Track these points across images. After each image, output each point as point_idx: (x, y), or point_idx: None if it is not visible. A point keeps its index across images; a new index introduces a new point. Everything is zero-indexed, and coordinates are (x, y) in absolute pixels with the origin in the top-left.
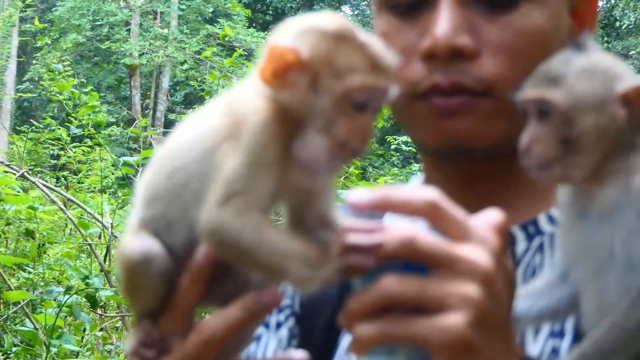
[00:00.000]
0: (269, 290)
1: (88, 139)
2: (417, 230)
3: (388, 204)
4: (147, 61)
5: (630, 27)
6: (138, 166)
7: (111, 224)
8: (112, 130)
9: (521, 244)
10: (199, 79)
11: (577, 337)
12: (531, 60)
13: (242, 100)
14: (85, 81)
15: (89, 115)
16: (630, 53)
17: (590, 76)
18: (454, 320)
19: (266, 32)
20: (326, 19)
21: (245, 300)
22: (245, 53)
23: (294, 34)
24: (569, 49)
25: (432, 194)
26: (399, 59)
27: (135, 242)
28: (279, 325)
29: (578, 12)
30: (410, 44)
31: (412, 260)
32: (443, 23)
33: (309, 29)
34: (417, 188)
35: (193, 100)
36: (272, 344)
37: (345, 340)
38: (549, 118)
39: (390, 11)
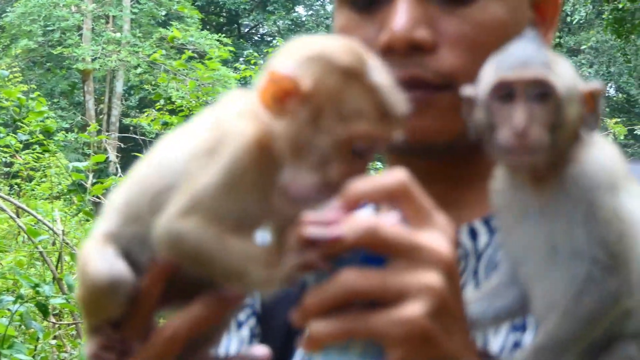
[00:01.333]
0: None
1: (37, 146)
2: (379, 219)
3: (363, 196)
4: (100, 66)
5: (581, 22)
6: (88, 171)
7: (62, 230)
8: (65, 136)
9: (483, 238)
10: (153, 83)
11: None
12: (490, 53)
13: (229, 117)
14: (36, 87)
15: (38, 121)
16: (582, 48)
17: (568, 68)
18: (413, 310)
19: (220, 34)
20: (338, 48)
21: (206, 298)
22: (196, 55)
23: (299, 60)
24: (518, 41)
25: (401, 175)
26: (408, 105)
27: (102, 263)
28: (240, 324)
29: (540, 6)
30: (369, 38)
31: (370, 252)
32: (401, 17)
33: (317, 57)
34: (386, 173)
35: (148, 104)
36: (233, 344)
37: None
38: (545, 102)
39: (350, 6)
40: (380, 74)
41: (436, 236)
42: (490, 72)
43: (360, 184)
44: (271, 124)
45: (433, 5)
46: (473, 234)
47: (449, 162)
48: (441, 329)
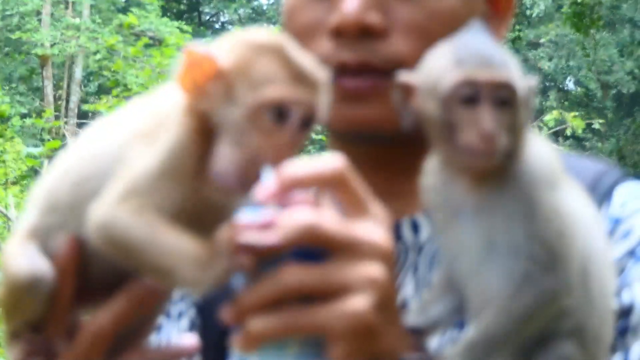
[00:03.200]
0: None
1: None
2: (317, 214)
3: (297, 182)
4: (59, 51)
5: (540, 15)
6: (44, 157)
7: (17, 217)
8: (23, 122)
9: (424, 231)
10: (112, 69)
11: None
12: (440, 42)
13: (164, 103)
14: None
15: None
16: (541, 41)
17: (517, 66)
18: (357, 303)
19: (180, 22)
20: (260, 33)
21: (129, 289)
22: (155, 42)
23: (216, 44)
24: (468, 33)
25: (338, 161)
26: (328, 72)
27: (23, 260)
28: (180, 315)
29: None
30: (317, 19)
31: (306, 247)
32: None
33: (236, 40)
34: (322, 157)
35: (107, 90)
36: (173, 334)
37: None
38: (508, 105)
39: None
40: (297, 50)
41: (374, 227)
42: (450, 67)
43: (294, 168)
44: (195, 108)
45: None
46: (415, 227)
47: (392, 151)
48: (383, 321)
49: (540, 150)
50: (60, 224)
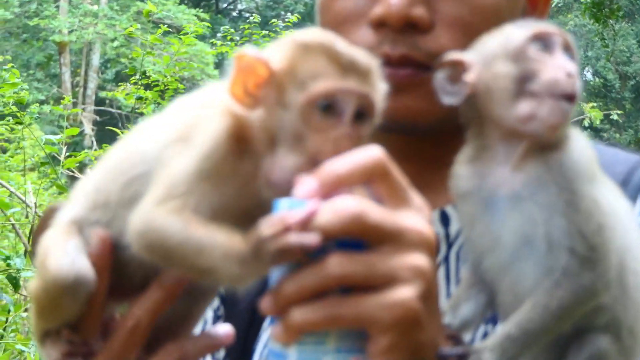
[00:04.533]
0: None
1: (11, 117)
2: (362, 204)
3: (338, 180)
4: (77, 38)
5: (559, 5)
6: (62, 144)
7: (35, 203)
8: (41, 108)
9: (455, 225)
10: (129, 57)
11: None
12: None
13: (205, 105)
14: (11, 58)
15: (11, 92)
16: None
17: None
18: (404, 293)
19: (197, 9)
20: (307, 32)
21: (161, 278)
22: (173, 30)
23: (270, 50)
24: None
25: (378, 152)
26: (378, 61)
27: (64, 258)
28: None
29: None
30: (357, 9)
31: (347, 237)
32: None
33: (284, 42)
34: (360, 150)
35: (124, 77)
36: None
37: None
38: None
39: None
40: (344, 43)
41: (417, 217)
42: (514, 30)
43: (334, 165)
44: (245, 116)
45: None
46: (445, 220)
47: (424, 142)
48: (427, 312)
49: (580, 143)
50: (108, 221)
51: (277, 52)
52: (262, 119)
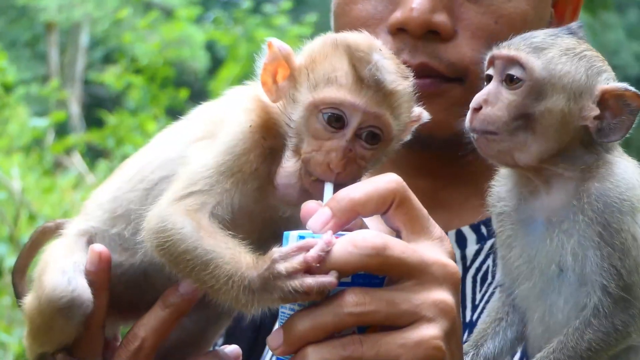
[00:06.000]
0: (186, 281)
1: None
2: (384, 237)
3: (353, 209)
4: (66, 18)
5: None
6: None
7: (21, 188)
8: (28, 89)
9: (472, 247)
10: (118, 37)
11: (526, 355)
12: None
13: (228, 105)
14: None
15: None
16: None
17: (576, 59)
18: (428, 332)
19: None
20: (352, 35)
21: (164, 297)
22: (164, 13)
23: (308, 44)
24: (559, 30)
25: (394, 178)
26: (410, 81)
27: (61, 277)
28: None
29: (559, 4)
30: (376, 12)
31: (365, 272)
32: None
33: (322, 39)
34: (374, 177)
35: (113, 58)
36: None
37: None
38: (517, 85)
39: None
40: (383, 55)
41: (438, 249)
42: None
43: (351, 192)
44: (271, 108)
45: None
46: (461, 241)
47: (440, 158)
48: (452, 348)
49: (625, 170)
50: (123, 232)
51: (310, 46)
52: (280, 112)
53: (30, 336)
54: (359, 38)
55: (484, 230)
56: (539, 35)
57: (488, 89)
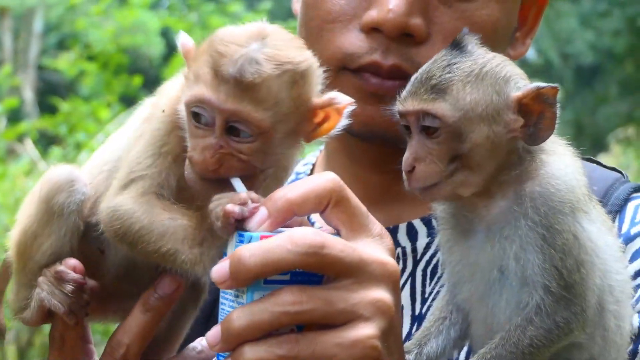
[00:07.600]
0: (164, 281)
1: None
2: (321, 235)
3: (290, 208)
4: (19, 4)
5: None
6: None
7: None
8: None
9: (422, 240)
10: (72, 23)
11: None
12: None
13: (160, 98)
14: None
15: None
16: None
17: (479, 82)
18: (365, 332)
19: None
20: (235, 28)
21: (143, 301)
22: (118, 0)
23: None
24: (447, 51)
25: (331, 177)
26: (302, 66)
27: (60, 170)
28: None
29: (523, 7)
30: (350, 9)
31: (303, 270)
32: None
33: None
34: (311, 177)
35: (67, 44)
36: None
37: None
38: (435, 133)
39: None
40: (258, 42)
41: (377, 247)
42: None
43: (287, 192)
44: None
45: None
46: (412, 234)
47: (394, 154)
48: (390, 348)
49: (563, 168)
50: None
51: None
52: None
53: (19, 265)
54: (236, 30)
55: (435, 223)
56: (434, 72)
57: (413, 147)
